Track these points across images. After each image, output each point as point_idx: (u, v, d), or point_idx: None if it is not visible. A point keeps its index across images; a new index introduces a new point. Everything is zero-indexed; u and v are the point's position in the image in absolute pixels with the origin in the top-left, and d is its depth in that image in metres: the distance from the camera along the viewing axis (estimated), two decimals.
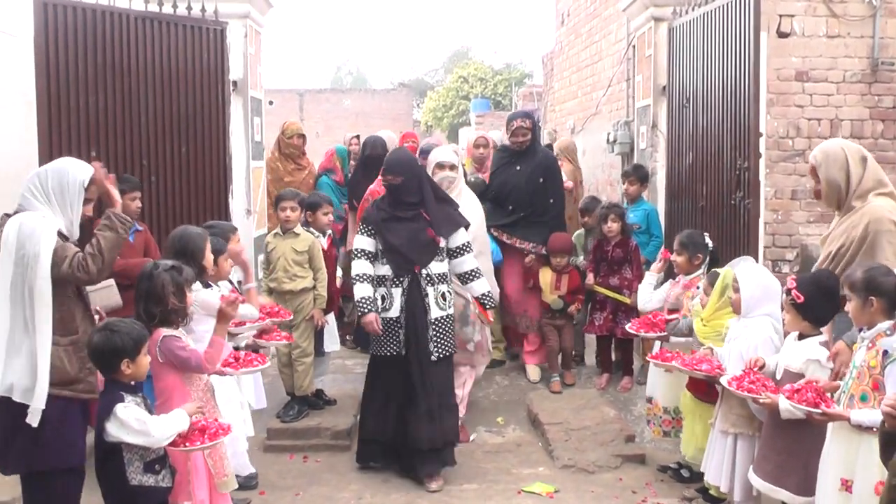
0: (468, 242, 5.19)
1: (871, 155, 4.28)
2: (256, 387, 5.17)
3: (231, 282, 4.74)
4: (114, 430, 3.27)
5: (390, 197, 5.13)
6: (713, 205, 6.15)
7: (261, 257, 6.25)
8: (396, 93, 43.61)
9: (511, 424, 5.99)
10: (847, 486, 3.30)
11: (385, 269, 5.05)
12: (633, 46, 7.96)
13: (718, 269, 4.76)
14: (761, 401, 3.75)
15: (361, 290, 5.02)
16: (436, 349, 5.02)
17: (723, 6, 6.00)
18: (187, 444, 3.42)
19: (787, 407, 3.50)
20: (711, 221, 6.07)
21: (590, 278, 6.57)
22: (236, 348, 4.56)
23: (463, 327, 5.51)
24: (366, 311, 4.99)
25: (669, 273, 5.64)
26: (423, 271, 5.01)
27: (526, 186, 6.47)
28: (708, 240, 5.28)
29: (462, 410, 5.53)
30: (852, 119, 6.90)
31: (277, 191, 6.65)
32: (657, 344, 5.27)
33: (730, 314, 4.48)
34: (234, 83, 6.74)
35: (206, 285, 4.35)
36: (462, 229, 5.18)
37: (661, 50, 7.14)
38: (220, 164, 6.41)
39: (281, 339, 5.05)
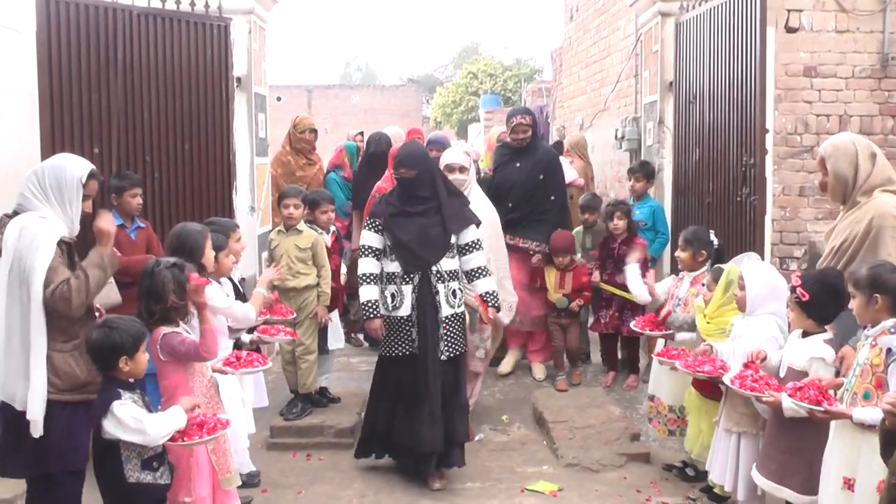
0: (478, 240, 5.04)
1: (881, 151, 4.24)
2: (258, 385, 5.14)
3: (232, 279, 4.72)
4: (111, 428, 3.26)
5: (401, 191, 4.96)
6: (719, 201, 6.12)
7: (264, 254, 6.24)
8: (405, 89, 43.55)
9: (516, 423, 5.96)
10: (849, 484, 3.27)
11: (394, 266, 4.89)
12: (641, 42, 7.91)
13: (722, 266, 4.72)
14: (764, 399, 3.72)
15: (367, 293, 4.91)
16: (447, 348, 4.89)
17: (729, 1, 5.96)
18: (185, 438, 3.41)
19: (790, 405, 3.47)
20: (718, 218, 6.04)
21: (595, 276, 6.53)
22: (238, 347, 4.55)
23: (471, 335, 5.42)
24: (371, 315, 4.89)
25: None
26: (434, 268, 4.87)
27: (526, 183, 6.42)
28: (713, 236, 5.24)
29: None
30: (861, 115, 6.83)
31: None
32: (661, 342, 5.23)
33: (734, 311, 4.45)
34: (238, 79, 6.73)
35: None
36: (473, 226, 5.02)
37: (668, 45, 7.10)
38: (224, 161, 6.41)
39: (285, 334, 4.97)
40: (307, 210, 5.81)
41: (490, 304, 5.07)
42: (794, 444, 3.78)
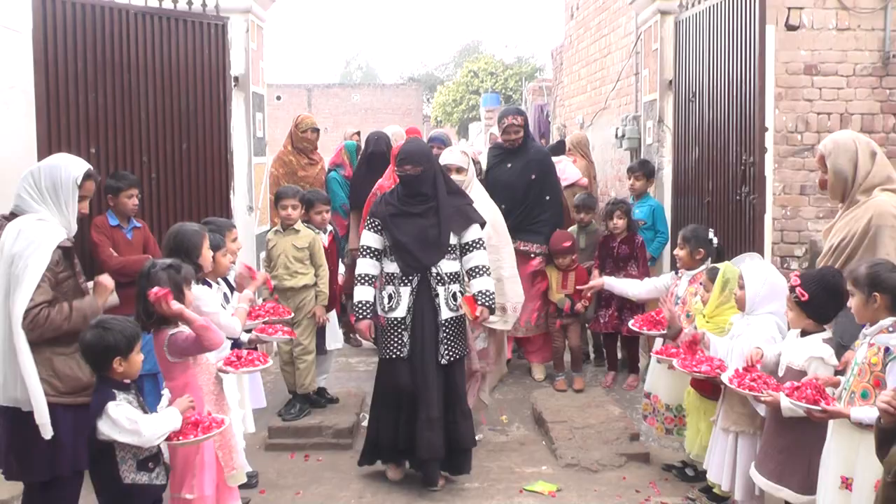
0: (480, 239, 4.92)
1: (882, 150, 4.23)
2: (255, 385, 5.13)
3: (227, 280, 4.70)
4: (105, 429, 3.25)
5: (404, 189, 4.87)
6: (719, 200, 6.09)
7: (262, 254, 6.22)
8: (406, 87, 43.62)
9: (515, 423, 5.94)
10: (847, 483, 3.27)
11: (393, 267, 4.82)
12: (641, 40, 7.89)
13: (717, 265, 4.71)
14: (763, 399, 3.70)
15: (360, 293, 4.84)
16: (446, 352, 4.80)
17: None
18: (180, 437, 3.41)
19: (788, 405, 3.46)
20: (717, 217, 6.02)
21: (595, 275, 6.50)
22: (237, 346, 4.53)
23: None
24: (360, 316, 4.85)
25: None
26: (434, 270, 4.77)
27: (517, 184, 6.36)
28: (711, 235, 5.22)
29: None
30: (862, 113, 6.78)
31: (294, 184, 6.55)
32: (659, 340, 5.22)
33: (732, 310, 4.44)
34: (236, 79, 6.70)
35: (205, 283, 4.34)
36: (476, 225, 4.91)
37: (668, 44, 7.07)
38: (222, 161, 6.37)
39: (283, 334, 4.93)
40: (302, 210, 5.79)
41: (480, 302, 4.85)
42: (793, 443, 3.76)
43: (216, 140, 6.33)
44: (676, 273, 5.39)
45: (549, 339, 6.72)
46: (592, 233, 6.80)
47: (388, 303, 4.81)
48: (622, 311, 6.44)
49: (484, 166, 6.77)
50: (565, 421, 5.70)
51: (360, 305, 4.84)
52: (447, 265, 4.81)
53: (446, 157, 5.56)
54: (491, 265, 5.06)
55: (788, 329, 4.06)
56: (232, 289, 4.73)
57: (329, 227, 6.06)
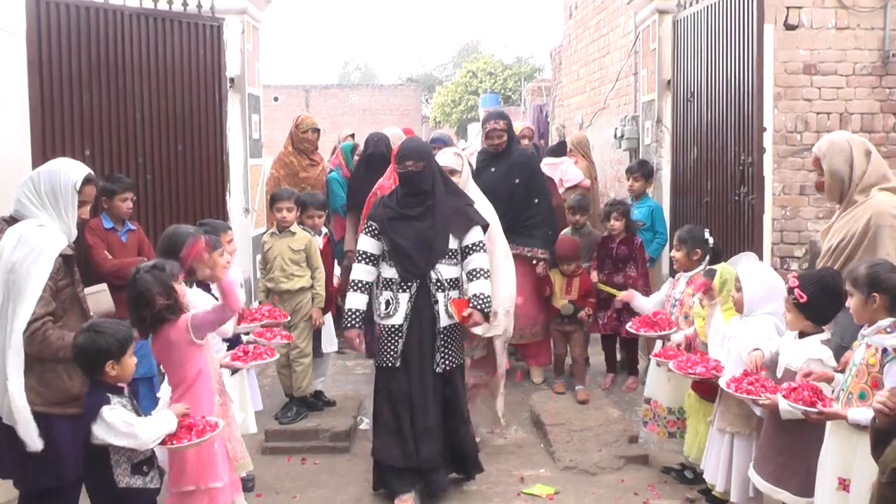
0: (481, 241, 4.75)
1: (880, 149, 4.22)
2: (252, 388, 5.09)
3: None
4: (100, 433, 3.23)
5: (405, 188, 4.71)
6: (718, 201, 6.09)
7: (258, 257, 6.19)
8: (404, 88, 43.63)
9: (513, 425, 5.91)
10: (844, 485, 3.26)
11: (391, 272, 4.66)
12: (639, 39, 7.87)
13: (714, 266, 4.69)
14: (761, 402, 3.68)
15: (353, 301, 4.70)
16: (442, 360, 4.65)
17: None
18: (174, 442, 3.39)
19: (786, 407, 3.44)
20: (716, 218, 6.01)
21: (593, 276, 6.48)
22: (233, 346, 4.52)
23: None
24: (350, 325, 4.70)
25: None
26: (433, 275, 4.61)
27: (500, 188, 6.08)
28: (708, 235, 5.20)
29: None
30: (862, 112, 6.75)
31: (294, 186, 6.51)
32: (659, 343, 5.20)
33: (731, 311, 4.41)
34: (232, 80, 6.70)
35: (201, 286, 4.33)
36: (478, 227, 4.76)
37: (666, 43, 7.07)
38: (217, 163, 6.37)
39: (281, 338, 4.93)
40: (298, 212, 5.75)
41: (473, 305, 4.65)
42: (791, 445, 3.75)
43: (212, 142, 6.32)
44: (674, 276, 5.36)
45: (547, 342, 6.66)
46: (587, 235, 6.75)
47: (385, 309, 4.67)
48: (621, 312, 6.39)
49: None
50: (564, 423, 5.67)
51: (350, 313, 4.70)
52: (447, 271, 4.67)
53: (439, 159, 5.33)
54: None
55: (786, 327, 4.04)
56: None
57: (324, 230, 6.02)
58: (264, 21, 7.38)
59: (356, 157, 7.68)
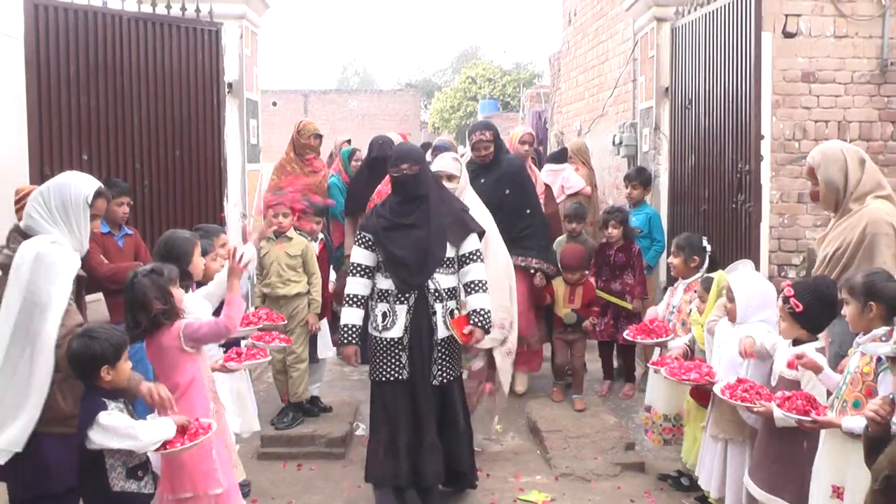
0: (478, 250, 4.63)
1: (879, 157, 4.23)
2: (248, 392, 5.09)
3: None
4: (97, 438, 3.22)
5: (399, 193, 4.57)
6: (715, 208, 6.09)
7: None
8: (403, 93, 43.73)
9: (510, 432, 5.90)
10: (838, 493, 3.25)
11: (387, 284, 4.51)
12: (638, 46, 7.88)
13: (712, 274, 4.69)
14: (756, 409, 3.68)
15: (348, 316, 4.54)
16: (439, 372, 4.52)
17: (724, 7, 5.94)
18: (167, 446, 3.37)
19: (781, 415, 3.44)
20: (714, 225, 6.02)
21: (591, 282, 6.47)
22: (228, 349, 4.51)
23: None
24: (346, 341, 4.54)
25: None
26: (431, 286, 4.48)
27: (491, 200, 5.79)
28: (705, 242, 5.20)
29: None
30: (860, 121, 6.75)
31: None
32: (657, 350, 5.19)
33: (705, 317, 4.43)
34: (230, 85, 6.72)
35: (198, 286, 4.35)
36: (474, 235, 4.62)
37: (664, 51, 7.08)
38: (215, 168, 6.39)
39: (280, 341, 4.88)
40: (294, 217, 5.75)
41: (473, 322, 4.53)
42: (786, 453, 3.74)
43: (209, 147, 6.34)
44: (673, 284, 5.36)
45: (540, 350, 6.59)
46: (583, 243, 6.71)
47: (383, 322, 4.52)
48: (618, 319, 6.40)
49: None
50: (560, 430, 5.66)
51: (347, 329, 4.55)
52: (445, 280, 4.54)
53: (438, 164, 5.31)
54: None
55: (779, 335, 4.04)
56: None
57: (320, 235, 6.02)
58: (263, 26, 7.39)
59: (354, 163, 7.67)
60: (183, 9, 6.16)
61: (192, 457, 3.53)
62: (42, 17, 5.28)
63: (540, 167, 7.92)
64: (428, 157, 5.67)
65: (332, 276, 6.18)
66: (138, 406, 3.57)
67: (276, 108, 36.34)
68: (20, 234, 3.62)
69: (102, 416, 3.21)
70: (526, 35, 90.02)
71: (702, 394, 4.53)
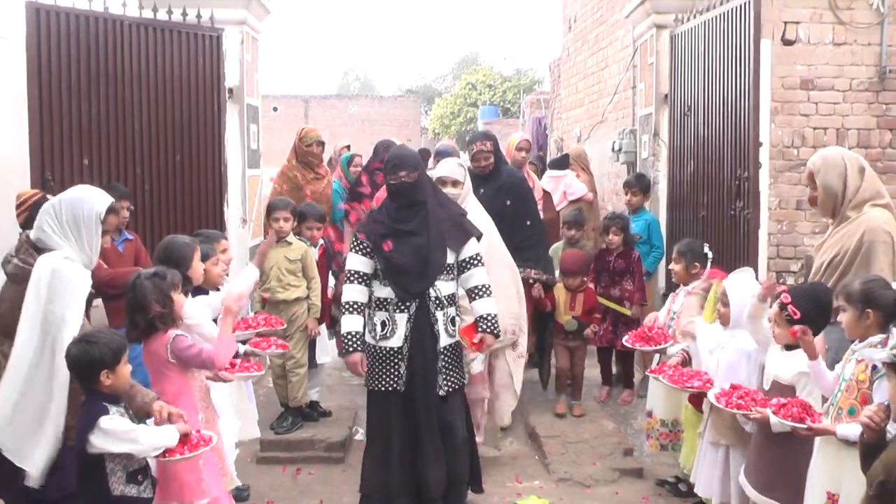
0: (478, 254, 4.53)
1: (877, 165, 4.25)
2: (249, 397, 5.10)
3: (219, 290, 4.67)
4: (98, 442, 3.23)
5: (397, 200, 4.46)
6: (714, 215, 6.14)
7: None
8: (404, 99, 43.84)
9: (508, 437, 5.90)
10: (833, 499, 3.27)
11: (386, 292, 4.39)
12: (638, 53, 7.91)
13: (710, 281, 4.71)
14: (752, 416, 3.69)
15: (349, 323, 4.40)
16: (445, 382, 4.42)
17: (723, 14, 5.99)
18: (167, 455, 3.38)
19: (777, 421, 3.46)
20: (712, 232, 6.06)
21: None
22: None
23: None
24: (351, 349, 4.40)
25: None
26: (432, 293, 4.36)
27: (492, 210, 5.66)
28: (707, 249, 5.22)
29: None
30: (859, 128, 6.79)
31: (297, 201, 6.34)
32: (656, 357, 5.20)
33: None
34: (230, 90, 6.76)
35: (200, 291, 4.36)
36: (473, 239, 4.52)
37: (663, 58, 7.13)
38: (216, 173, 6.43)
39: (277, 347, 4.86)
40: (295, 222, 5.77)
41: (482, 329, 4.48)
42: (782, 457, 3.75)
43: (210, 152, 6.38)
44: (675, 290, 5.37)
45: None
46: (580, 249, 6.70)
47: (382, 331, 4.40)
48: (617, 325, 6.41)
49: None
50: (558, 435, 5.68)
51: (350, 337, 4.40)
52: (445, 287, 4.43)
53: (442, 170, 5.20)
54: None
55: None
56: None
57: (321, 241, 6.03)
58: (264, 31, 7.43)
59: (352, 168, 7.69)
60: (184, 14, 6.20)
61: (179, 467, 3.54)
62: (43, 22, 5.31)
63: (542, 174, 7.97)
64: (430, 163, 5.66)
65: (332, 281, 6.19)
66: None
67: (276, 113, 36.43)
68: (32, 246, 3.62)
69: (103, 421, 3.22)
70: (526, 41, 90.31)
71: (699, 400, 4.55)
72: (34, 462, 3.46)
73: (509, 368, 5.48)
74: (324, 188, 7.28)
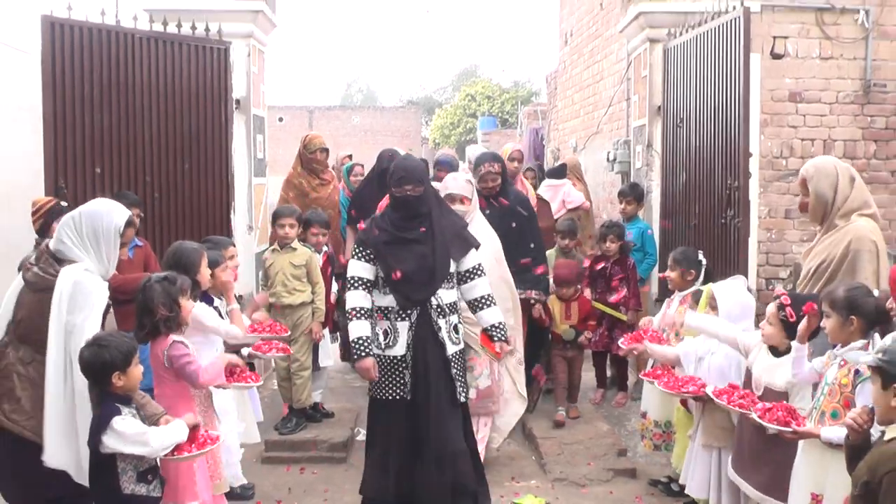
0: (480, 265, 4.53)
1: (862, 175, 4.39)
2: (253, 399, 5.22)
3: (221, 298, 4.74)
4: (111, 443, 3.28)
5: (401, 212, 4.42)
6: (705, 224, 6.21)
7: (260, 273, 6.31)
8: (405, 110, 43.92)
9: (505, 438, 5.98)
10: (818, 500, 3.33)
11: (388, 300, 4.36)
12: (631, 67, 8.04)
13: (701, 288, 4.83)
14: (750, 417, 3.70)
15: (357, 329, 4.34)
16: (462, 389, 4.45)
17: (714, 29, 6.08)
18: (175, 453, 3.46)
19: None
20: (703, 240, 6.11)
21: (587, 293, 6.57)
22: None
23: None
24: (362, 354, 4.33)
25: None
26: (434, 301, 4.35)
27: (497, 232, 5.56)
28: (701, 256, 5.33)
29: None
30: (845, 139, 6.96)
31: (302, 208, 6.45)
32: (650, 360, 5.29)
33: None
34: (237, 101, 6.80)
35: (206, 298, 4.46)
36: (474, 250, 4.52)
37: (657, 71, 7.21)
38: (223, 181, 6.50)
39: (277, 351, 4.91)
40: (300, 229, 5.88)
41: (496, 337, 4.53)
42: (779, 456, 3.78)
43: (217, 161, 6.45)
44: (669, 296, 5.48)
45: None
46: (572, 258, 6.65)
47: (384, 340, 4.37)
48: (612, 330, 6.50)
49: None
50: (554, 437, 5.79)
51: (359, 342, 4.33)
52: (446, 295, 4.41)
53: (450, 186, 5.16)
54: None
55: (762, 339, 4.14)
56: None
57: (325, 247, 6.13)
58: (270, 44, 7.50)
59: (353, 178, 7.79)
60: (193, 28, 6.27)
61: (177, 467, 3.62)
62: (58, 36, 5.40)
63: (540, 182, 8.09)
64: (430, 172, 5.71)
65: (335, 287, 6.28)
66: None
67: (282, 123, 36.52)
68: (51, 256, 3.64)
69: (116, 422, 3.27)
70: (524, 55, 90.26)
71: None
72: (85, 474, 3.48)
73: (512, 377, 5.54)
74: (330, 193, 7.32)
